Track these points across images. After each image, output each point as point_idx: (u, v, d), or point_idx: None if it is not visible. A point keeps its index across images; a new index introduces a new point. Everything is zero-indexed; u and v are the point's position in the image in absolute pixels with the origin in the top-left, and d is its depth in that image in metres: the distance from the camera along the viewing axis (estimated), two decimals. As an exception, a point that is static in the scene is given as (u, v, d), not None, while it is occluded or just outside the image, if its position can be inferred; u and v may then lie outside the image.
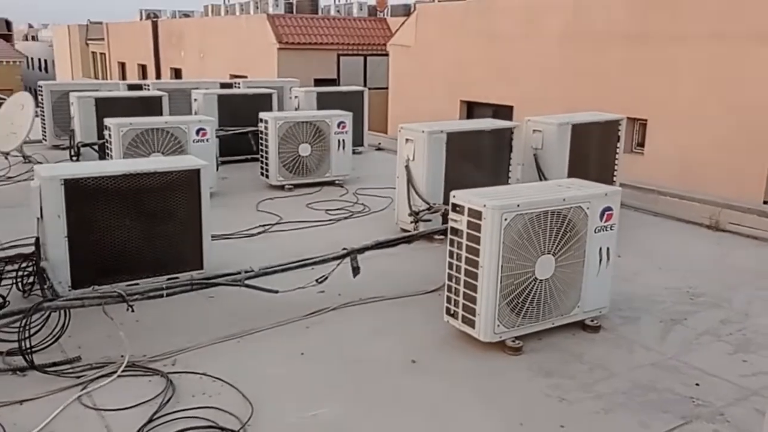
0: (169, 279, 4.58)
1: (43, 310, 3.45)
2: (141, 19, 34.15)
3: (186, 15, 34.30)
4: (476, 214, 3.69)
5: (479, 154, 6.02)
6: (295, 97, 9.75)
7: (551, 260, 3.83)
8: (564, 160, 6.29)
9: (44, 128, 9.80)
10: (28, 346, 3.37)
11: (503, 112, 14.78)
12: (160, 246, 4.54)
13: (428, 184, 5.78)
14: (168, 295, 3.84)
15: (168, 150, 6.84)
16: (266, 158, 7.63)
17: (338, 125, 7.87)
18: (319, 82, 20.89)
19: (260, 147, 7.72)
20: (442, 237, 5.16)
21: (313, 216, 6.70)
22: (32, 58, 55.77)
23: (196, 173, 4.59)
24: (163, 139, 6.80)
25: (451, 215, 3.88)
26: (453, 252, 3.90)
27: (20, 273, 4.41)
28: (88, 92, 8.42)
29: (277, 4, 26.18)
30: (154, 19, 31.93)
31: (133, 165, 4.42)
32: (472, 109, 16.44)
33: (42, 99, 9.65)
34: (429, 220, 5.72)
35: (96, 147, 7.77)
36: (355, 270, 4.49)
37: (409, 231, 5.95)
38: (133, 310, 3.65)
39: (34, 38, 62.74)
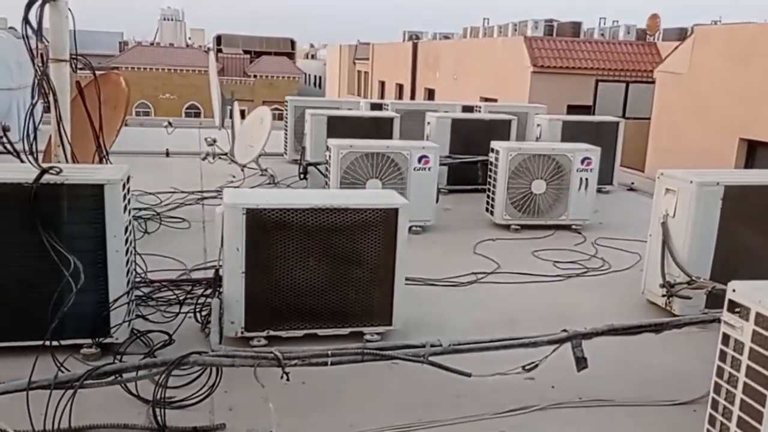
0: (352, 332, 3.94)
1: (188, 365, 2.95)
2: (404, 40, 35.52)
3: (446, 37, 34.90)
4: (771, 326, 2.41)
5: (770, 217, 4.48)
6: (537, 125, 8.72)
7: None
8: None
9: (286, 142, 10.02)
10: (165, 400, 2.88)
11: (796, 155, 12.15)
12: (344, 293, 3.89)
13: (691, 250, 4.41)
14: (333, 364, 3.13)
15: (387, 177, 6.30)
16: (493, 193, 6.74)
17: (582, 161, 6.70)
18: (572, 109, 19.45)
19: (488, 179, 6.86)
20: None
21: (538, 267, 5.64)
22: (309, 75, 61.58)
23: (393, 213, 3.87)
24: (383, 165, 6.27)
25: (727, 317, 2.63)
26: (724, 370, 2.64)
27: (200, 302, 4.08)
28: (322, 110, 8.29)
29: (537, 27, 25.19)
30: (415, 41, 32.92)
31: (323, 198, 3.84)
32: (753, 150, 13.83)
33: (287, 114, 9.88)
34: (688, 298, 4.36)
35: (323, 168, 7.55)
36: (580, 361, 3.39)
37: (659, 305, 4.63)
38: (288, 379, 3.00)
39: (313, 57, 69.36)
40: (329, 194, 4.15)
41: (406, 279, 4.87)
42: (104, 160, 4.73)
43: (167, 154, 10.14)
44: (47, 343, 3.25)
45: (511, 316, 4.59)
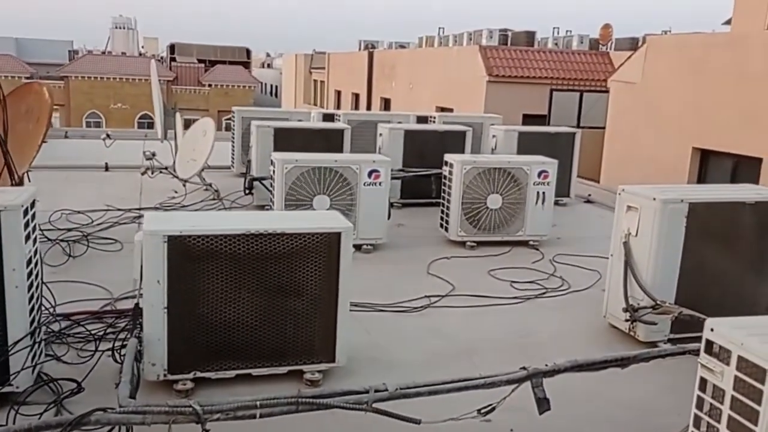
0: (290, 371, 3.55)
1: (89, 424, 2.51)
2: (360, 49, 35.25)
3: (402, 46, 34.78)
4: (756, 372, 2.12)
5: (735, 236, 4.24)
6: (493, 136, 8.47)
7: None
8: None
9: (233, 155, 9.56)
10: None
11: (747, 164, 12.21)
12: (281, 328, 3.49)
13: (655, 271, 4.15)
14: (263, 416, 2.73)
15: (336, 193, 5.93)
16: (447, 208, 6.42)
17: (539, 174, 6.45)
18: (528, 118, 19.42)
19: (442, 194, 6.54)
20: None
21: (495, 288, 5.33)
22: (265, 84, 60.78)
23: (335, 238, 3.50)
24: (331, 180, 5.90)
25: (705, 360, 2.33)
26: (701, 419, 2.35)
27: (121, 338, 3.62)
28: (270, 121, 7.88)
29: (492, 36, 25.22)
30: (371, 50, 32.68)
31: (256, 222, 3.44)
32: (706, 159, 13.90)
33: (234, 125, 9.42)
34: (653, 323, 4.09)
35: (269, 184, 7.14)
36: (542, 402, 3.06)
37: (622, 329, 4.36)
38: (208, 434, 2.59)
39: (269, 66, 68.56)
40: (264, 217, 3.76)
41: (354, 305, 4.51)
42: (14, 179, 4.23)
43: (106, 168, 9.58)
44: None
45: (468, 345, 4.26)
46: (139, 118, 49.99)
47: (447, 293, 5.13)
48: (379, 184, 6.01)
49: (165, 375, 3.35)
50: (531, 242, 6.56)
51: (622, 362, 3.28)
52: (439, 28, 29.95)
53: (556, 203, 7.92)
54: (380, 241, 6.15)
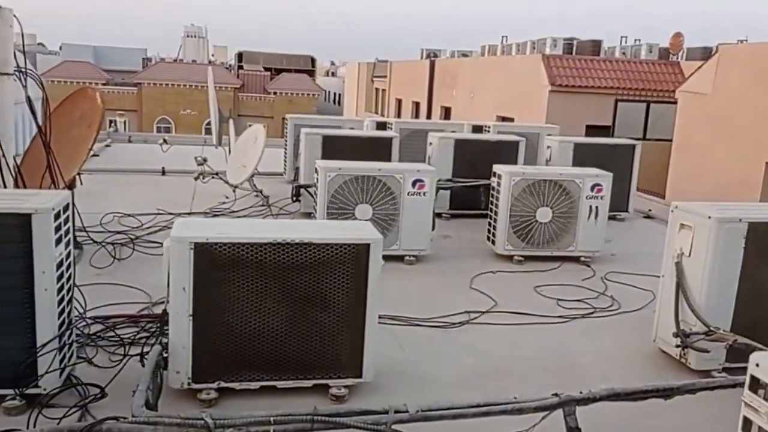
0: (316, 385, 3.46)
1: (99, 433, 2.49)
2: (422, 58, 35.20)
3: (464, 55, 34.50)
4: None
5: (801, 259, 3.92)
6: (548, 147, 8.22)
7: None
8: None
9: (285, 161, 9.62)
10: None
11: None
12: (307, 340, 3.41)
13: (710, 295, 3.87)
14: (276, 432, 2.65)
15: (378, 202, 5.84)
16: (495, 221, 6.23)
17: (592, 188, 6.18)
18: (591, 129, 18.91)
19: (490, 206, 6.36)
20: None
21: (540, 306, 5.11)
22: (329, 92, 61.52)
23: (364, 249, 3.40)
24: (374, 189, 5.81)
25: (749, 398, 2.11)
26: (744, 463, 2.12)
27: (151, 343, 3.62)
28: (319, 128, 7.87)
29: (556, 45, 24.70)
30: (433, 58, 32.59)
31: (284, 231, 3.38)
32: (781, 174, 13.18)
33: (287, 132, 9.48)
34: (706, 351, 3.81)
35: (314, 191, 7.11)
36: None
37: (672, 356, 4.09)
38: (219, 449, 2.53)
39: (333, 74, 69.42)
40: (293, 226, 3.69)
41: (389, 318, 4.42)
42: (56, 182, 4.31)
43: (163, 172, 9.79)
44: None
45: (504, 365, 4.08)
46: (206, 124, 51.19)
47: (488, 309, 4.94)
48: (424, 194, 5.88)
49: (189, 384, 3.32)
50: (582, 258, 6.29)
51: (665, 393, 3.05)
52: (502, 36, 29.55)
53: (613, 218, 7.61)
54: (423, 253, 6.02)
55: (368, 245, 3.40)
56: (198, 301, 3.28)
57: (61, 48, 58.46)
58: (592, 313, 5.05)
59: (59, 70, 49.33)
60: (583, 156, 7.82)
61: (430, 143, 7.96)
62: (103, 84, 50.82)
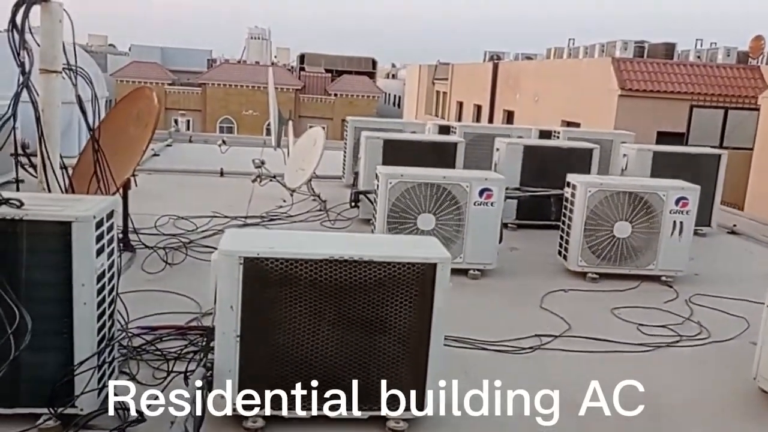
0: (372, 417, 3.12)
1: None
2: (484, 60, 34.60)
3: (529, 57, 33.72)
4: None
5: None
6: (624, 155, 7.67)
7: None
8: None
9: (344, 165, 9.35)
10: None
11: None
12: (365, 368, 3.08)
13: (828, 332, 3.35)
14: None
15: (442, 211, 5.47)
16: (568, 234, 5.78)
17: (677, 202, 5.66)
18: (663, 136, 18.03)
19: (562, 218, 5.90)
20: None
21: (618, 331, 4.64)
22: (389, 94, 61.40)
23: (430, 269, 3.04)
24: (438, 198, 5.45)
25: None
26: None
27: (199, 359, 3.36)
28: (380, 132, 7.55)
29: (626, 48, 23.75)
30: (496, 61, 31.97)
31: (342, 246, 3.06)
32: None
33: (346, 135, 9.21)
34: (821, 397, 3.30)
35: (373, 198, 6.79)
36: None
37: (778, 400, 3.57)
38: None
39: (393, 76, 69.27)
40: (352, 240, 3.37)
41: (452, 339, 4.06)
42: (105, 186, 4.11)
43: (221, 173, 9.68)
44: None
45: (580, 399, 3.64)
46: (267, 125, 51.75)
47: (561, 333, 4.51)
48: (491, 204, 5.49)
49: (234, 410, 3.03)
50: (663, 278, 5.77)
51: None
52: (569, 39, 28.69)
53: (694, 233, 7.02)
54: (489, 267, 5.62)
55: (435, 265, 3.05)
56: (246, 321, 2.99)
57: (130, 49, 60.27)
58: (678, 341, 4.55)
59: (128, 71, 50.87)
60: (662, 166, 7.26)
61: (497, 149, 7.54)
62: (169, 84, 52.15)
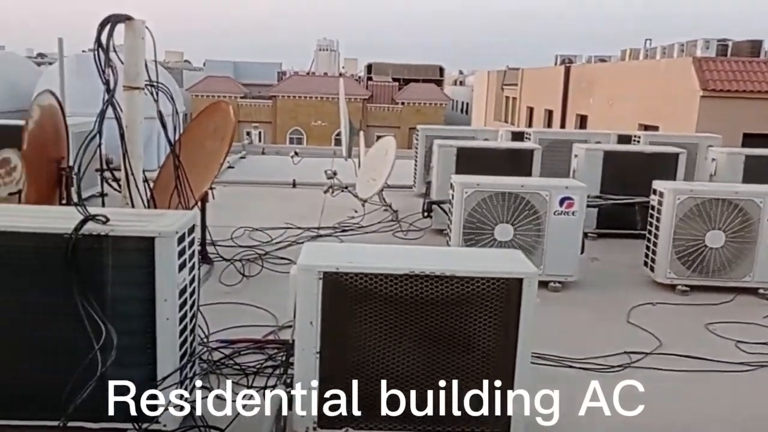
0: (455, 438, 2.99)
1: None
2: (555, 64, 33.89)
3: (602, 60, 32.78)
4: None
5: None
6: (712, 160, 7.27)
7: None
8: None
9: (415, 174, 9.26)
10: None
11: None
12: (447, 387, 2.96)
13: None
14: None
15: (520, 222, 5.30)
16: (655, 244, 5.48)
17: (775, 209, 5.28)
18: (749, 138, 17.10)
19: (649, 227, 5.61)
20: None
21: (715, 348, 4.34)
22: (457, 102, 61.04)
23: (515, 285, 2.90)
24: (516, 208, 5.27)
25: None
26: None
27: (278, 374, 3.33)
28: (452, 140, 7.42)
29: (708, 47, 22.73)
30: (568, 64, 31.24)
31: (422, 260, 2.95)
32: None
33: (416, 143, 9.12)
34: None
35: (447, 208, 6.67)
36: None
37: None
38: None
39: (461, 83, 68.84)
40: (433, 254, 3.25)
41: (536, 356, 3.86)
42: (185, 201, 4.15)
43: (294, 185, 9.76)
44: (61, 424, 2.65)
45: (677, 422, 3.41)
46: (336, 135, 52.58)
47: (652, 350, 4.25)
48: (572, 213, 5.27)
49: (314, 429, 2.97)
50: (761, 290, 5.39)
51: None
52: (646, 39, 27.64)
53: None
54: (570, 279, 5.40)
55: (521, 280, 2.90)
56: (326, 337, 2.92)
57: (204, 64, 62.23)
58: (784, 360, 4.21)
59: (202, 85, 52.50)
60: (756, 170, 6.83)
61: (575, 155, 7.28)
62: (241, 97, 53.51)
